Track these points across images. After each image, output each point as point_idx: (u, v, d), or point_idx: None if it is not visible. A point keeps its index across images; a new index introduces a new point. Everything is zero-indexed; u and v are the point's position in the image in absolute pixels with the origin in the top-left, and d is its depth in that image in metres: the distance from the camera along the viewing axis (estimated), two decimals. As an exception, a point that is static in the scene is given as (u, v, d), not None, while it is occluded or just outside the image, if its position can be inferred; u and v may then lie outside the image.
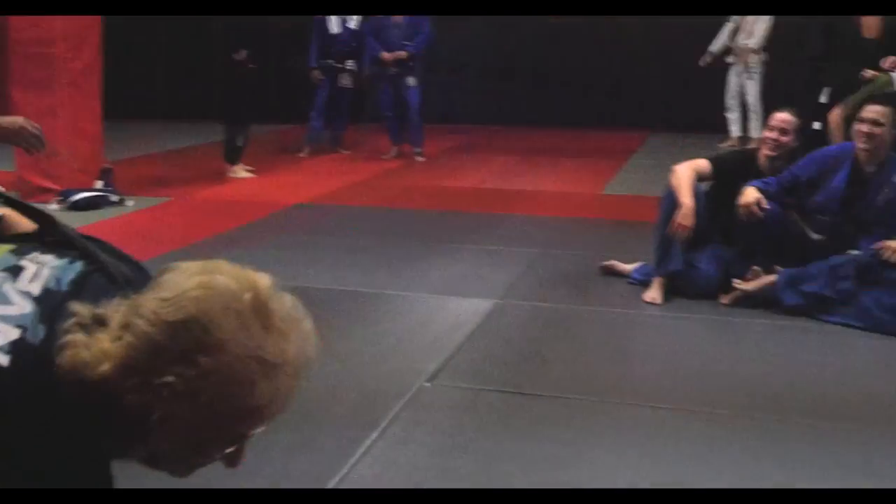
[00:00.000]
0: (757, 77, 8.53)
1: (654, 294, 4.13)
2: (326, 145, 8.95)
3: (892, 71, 4.56)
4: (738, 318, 3.94)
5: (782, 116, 4.17)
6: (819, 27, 5.02)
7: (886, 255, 3.76)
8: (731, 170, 4.26)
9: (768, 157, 4.20)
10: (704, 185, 4.30)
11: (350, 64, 8.55)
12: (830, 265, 3.92)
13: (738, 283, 4.07)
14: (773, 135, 4.17)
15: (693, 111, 9.70)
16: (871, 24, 4.76)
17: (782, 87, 7.18)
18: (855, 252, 3.96)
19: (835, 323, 3.83)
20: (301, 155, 8.70)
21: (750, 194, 4.01)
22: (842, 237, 4.06)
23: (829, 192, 4.05)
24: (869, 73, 4.65)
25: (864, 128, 3.94)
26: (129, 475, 1.12)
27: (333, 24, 8.42)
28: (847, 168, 4.03)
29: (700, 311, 4.02)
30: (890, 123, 3.92)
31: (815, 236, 4.14)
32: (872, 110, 3.95)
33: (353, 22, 8.46)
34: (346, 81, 8.63)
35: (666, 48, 10.07)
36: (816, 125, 4.92)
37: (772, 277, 4.03)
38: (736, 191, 4.08)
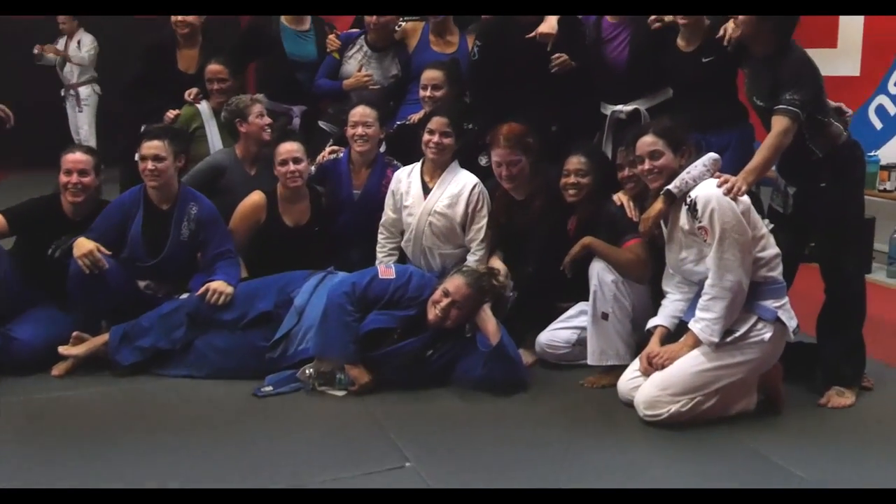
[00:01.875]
0: (88, 109, 8.20)
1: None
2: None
3: (197, 104, 4.49)
4: (68, 390, 3.46)
5: (75, 157, 3.79)
6: (142, 51, 4.67)
7: (211, 297, 3.63)
8: (34, 220, 3.80)
9: (72, 203, 3.79)
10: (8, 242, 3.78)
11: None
12: (161, 314, 3.66)
13: (65, 350, 3.59)
14: (70, 179, 3.76)
15: (51, 147, 8.87)
16: (188, 57, 4.62)
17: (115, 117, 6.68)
18: (184, 296, 3.77)
19: (176, 376, 3.58)
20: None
21: (84, 245, 3.60)
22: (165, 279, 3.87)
23: (132, 239, 3.80)
24: (171, 114, 4.48)
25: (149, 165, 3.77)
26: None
27: None
28: (141, 211, 3.84)
29: (25, 391, 3.44)
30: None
31: (143, 283, 3.87)
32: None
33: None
34: None
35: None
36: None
37: (104, 337, 3.64)
38: (43, 241, 3.69)
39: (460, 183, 3.88)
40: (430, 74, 4.18)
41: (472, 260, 3.83)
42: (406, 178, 3.97)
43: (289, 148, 3.96)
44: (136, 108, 4.68)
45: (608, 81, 3.98)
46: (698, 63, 3.66)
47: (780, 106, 3.21)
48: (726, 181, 3.03)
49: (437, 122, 3.85)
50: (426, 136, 3.86)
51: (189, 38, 4.60)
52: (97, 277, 3.59)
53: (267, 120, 4.22)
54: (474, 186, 3.86)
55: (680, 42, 3.72)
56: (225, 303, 3.62)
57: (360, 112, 4.07)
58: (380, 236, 4.05)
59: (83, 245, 3.60)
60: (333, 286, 3.49)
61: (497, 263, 3.79)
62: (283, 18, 4.55)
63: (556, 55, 3.90)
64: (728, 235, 2.95)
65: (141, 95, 4.65)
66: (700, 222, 3.00)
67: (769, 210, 3.76)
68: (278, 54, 4.52)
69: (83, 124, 8.06)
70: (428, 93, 4.17)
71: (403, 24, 4.53)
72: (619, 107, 3.94)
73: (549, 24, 3.91)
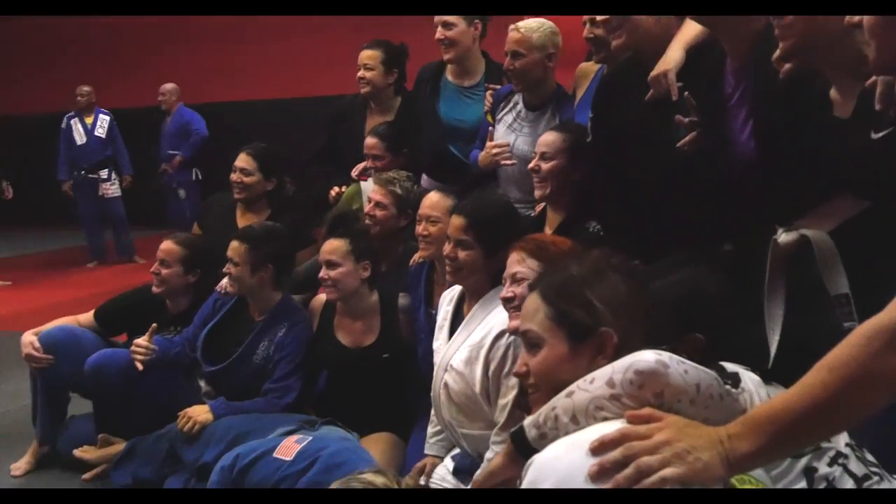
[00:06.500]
0: None
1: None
2: (116, 256, 8.37)
3: (363, 180, 3.63)
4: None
5: (162, 246, 3.39)
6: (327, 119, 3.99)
7: (179, 423, 2.91)
8: (129, 315, 3.45)
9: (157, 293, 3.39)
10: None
11: (105, 173, 8.10)
12: (158, 435, 3.01)
13: (80, 453, 3.19)
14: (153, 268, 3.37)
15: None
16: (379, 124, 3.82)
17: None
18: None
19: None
20: (90, 266, 8.18)
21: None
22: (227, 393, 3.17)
23: (200, 338, 3.21)
24: (334, 191, 3.62)
25: None
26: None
27: (78, 133, 8.01)
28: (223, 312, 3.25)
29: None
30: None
31: (205, 387, 3.27)
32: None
33: (101, 129, 8.05)
34: (110, 191, 8.16)
35: None
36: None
37: (119, 446, 3.16)
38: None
39: (486, 326, 2.39)
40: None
41: (487, 457, 2.31)
42: (445, 305, 2.61)
43: (326, 247, 2.96)
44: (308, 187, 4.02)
45: (748, 184, 2.06)
46: (865, 140, 1.65)
47: None
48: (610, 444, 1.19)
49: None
50: None
51: (376, 100, 3.75)
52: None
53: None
54: (498, 336, 2.33)
55: (834, 97, 1.73)
56: (192, 433, 2.83)
57: (428, 201, 2.82)
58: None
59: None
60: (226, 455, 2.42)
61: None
62: (447, 72, 3.47)
63: (682, 119, 2.13)
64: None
65: (320, 170, 3.99)
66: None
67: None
68: (433, 120, 3.43)
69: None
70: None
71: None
72: (780, 232, 1.95)
73: (668, 58, 2.18)
